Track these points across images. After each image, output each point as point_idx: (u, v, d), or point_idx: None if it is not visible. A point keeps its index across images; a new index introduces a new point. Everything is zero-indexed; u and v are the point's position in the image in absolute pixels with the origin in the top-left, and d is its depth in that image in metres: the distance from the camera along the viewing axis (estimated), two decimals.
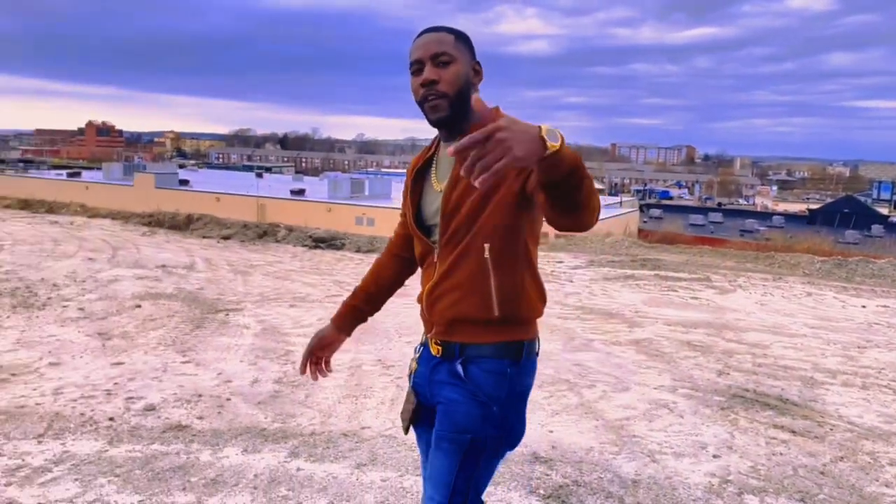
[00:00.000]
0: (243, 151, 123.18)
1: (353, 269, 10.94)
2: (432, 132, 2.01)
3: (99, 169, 62.10)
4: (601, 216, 1.64)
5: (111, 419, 4.43)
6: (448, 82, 1.84)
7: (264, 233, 14.89)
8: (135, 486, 3.53)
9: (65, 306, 7.62)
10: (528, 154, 1.32)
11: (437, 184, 1.96)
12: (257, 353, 6.04)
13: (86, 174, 57.04)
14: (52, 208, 21.63)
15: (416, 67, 1.87)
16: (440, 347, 1.93)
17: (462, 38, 1.90)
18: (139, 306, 7.73)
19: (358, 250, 12.97)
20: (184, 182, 50.56)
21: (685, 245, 19.22)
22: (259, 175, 59.04)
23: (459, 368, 1.88)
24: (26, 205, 22.61)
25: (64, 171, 54.93)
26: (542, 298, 1.95)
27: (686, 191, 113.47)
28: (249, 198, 46.62)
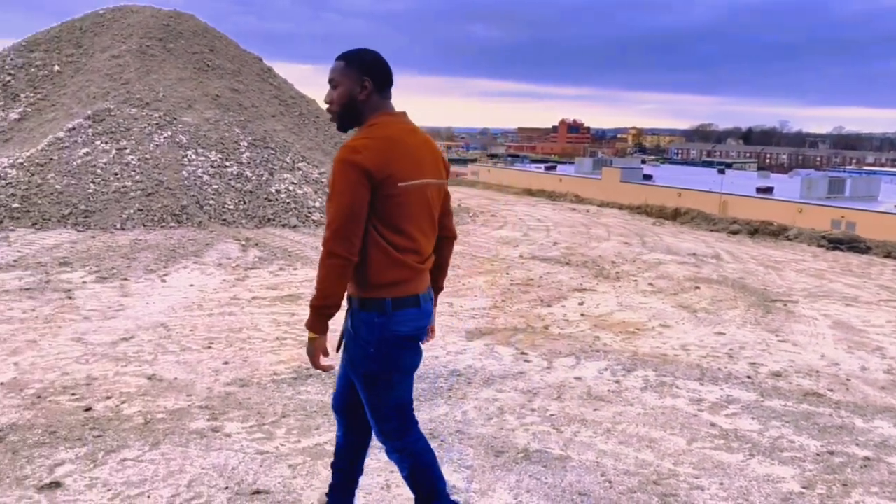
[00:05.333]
0: (703, 147, 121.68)
1: (894, 276, 10.34)
2: None
3: (570, 163, 67.58)
4: None
5: (748, 377, 5.25)
6: (336, 102, 2.48)
7: (756, 230, 14.87)
8: (809, 433, 4.21)
9: (635, 281, 8.96)
10: (310, 351, 2.47)
11: None
12: (845, 343, 6.33)
13: (560, 167, 63.05)
14: (551, 196, 24.77)
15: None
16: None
17: (350, 60, 2.47)
18: (698, 287, 8.65)
19: (888, 255, 12.12)
20: (647, 177, 52.29)
21: None
22: (721, 171, 57.69)
23: (349, 320, 2.51)
24: (530, 192, 26.29)
25: (542, 165, 61.49)
26: (399, 268, 2.42)
27: None
28: (711, 194, 46.07)
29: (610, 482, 3.47)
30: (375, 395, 2.51)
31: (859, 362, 5.76)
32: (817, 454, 3.90)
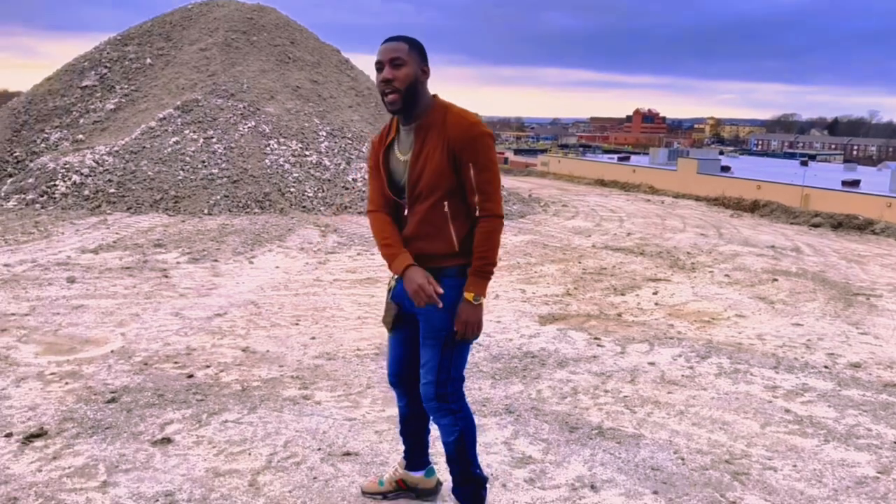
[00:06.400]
0: (784, 138, 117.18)
1: None
2: None
3: (644, 154, 66.26)
4: None
5: (826, 367, 5.22)
6: (401, 80, 2.50)
7: (839, 224, 14.39)
8: (887, 422, 4.19)
9: (710, 272, 8.89)
10: (479, 311, 2.58)
11: (402, 155, 2.63)
12: None
13: (633, 158, 61.99)
14: (624, 187, 24.47)
15: (378, 67, 2.54)
16: None
17: (413, 45, 2.54)
18: (776, 280, 8.52)
19: None
20: (725, 168, 50.89)
21: None
22: (804, 163, 55.57)
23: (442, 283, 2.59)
24: (602, 183, 26.04)
25: (615, 155, 60.47)
26: None
27: None
28: (792, 187, 44.50)
29: (682, 459, 3.58)
30: (449, 356, 2.65)
31: None
32: (894, 442, 3.90)
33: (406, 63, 2.51)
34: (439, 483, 3.11)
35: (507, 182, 18.04)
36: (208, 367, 4.73)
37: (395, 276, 2.71)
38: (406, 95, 2.51)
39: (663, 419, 4.10)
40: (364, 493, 3.13)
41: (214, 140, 13.04)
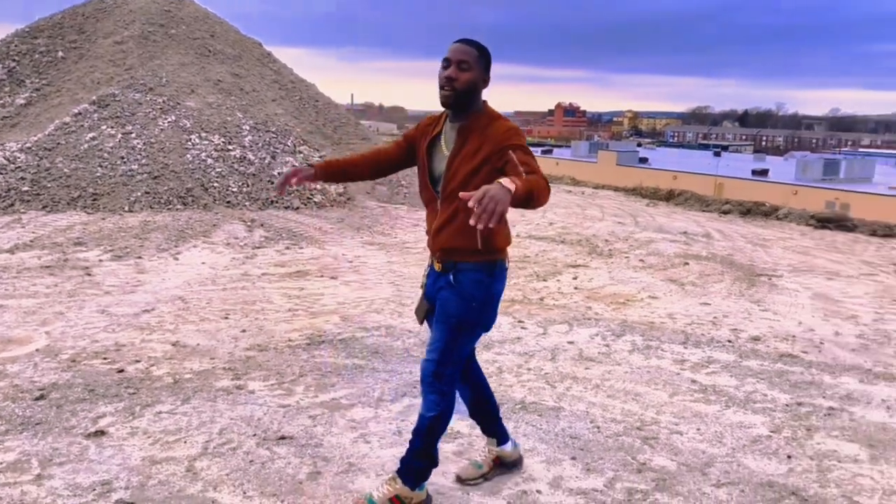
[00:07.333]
0: (699, 130, 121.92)
1: (876, 252, 10.74)
2: None
3: (566, 146, 67.73)
4: None
5: (729, 341, 5.64)
6: (462, 82, 2.69)
7: (748, 210, 15.25)
8: (780, 388, 4.61)
9: (626, 257, 9.34)
10: (506, 200, 2.28)
11: (446, 148, 2.81)
12: (822, 312, 6.73)
13: (556, 151, 63.22)
14: (550, 179, 25.11)
15: (445, 64, 2.71)
16: (441, 265, 2.86)
17: (482, 53, 2.74)
18: (687, 263, 9.04)
19: (874, 233, 12.51)
20: (643, 160, 52.56)
21: None
22: (717, 154, 58.04)
23: (451, 278, 2.81)
24: None
25: (538, 149, 61.68)
26: (508, 236, 2.94)
27: None
28: (707, 177, 46.41)
29: (598, 427, 3.87)
30: (456, 340, 2.83)
31: (833, 328, 6.16)
32: (786, 405, 4.30)
33: (472, 68, 2.71)
34: (521, 455, 3.39)
35: None
36: (138, 361, 4.75)
37: (425, 273, 3.00)
38: (461, 95, 2.72)
39: (581, 392, 4.39)
40: (463, 481, 3.25)
41: (133, 135, 12.74)
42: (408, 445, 3.00)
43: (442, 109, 2.89)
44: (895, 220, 14.31)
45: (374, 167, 3.08)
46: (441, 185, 2.80)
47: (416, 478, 2.97)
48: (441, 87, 2.73)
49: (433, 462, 3.00)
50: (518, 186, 2.37)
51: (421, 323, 3.06)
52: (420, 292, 3.05)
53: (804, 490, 3.27)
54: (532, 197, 2.47)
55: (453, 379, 2.91)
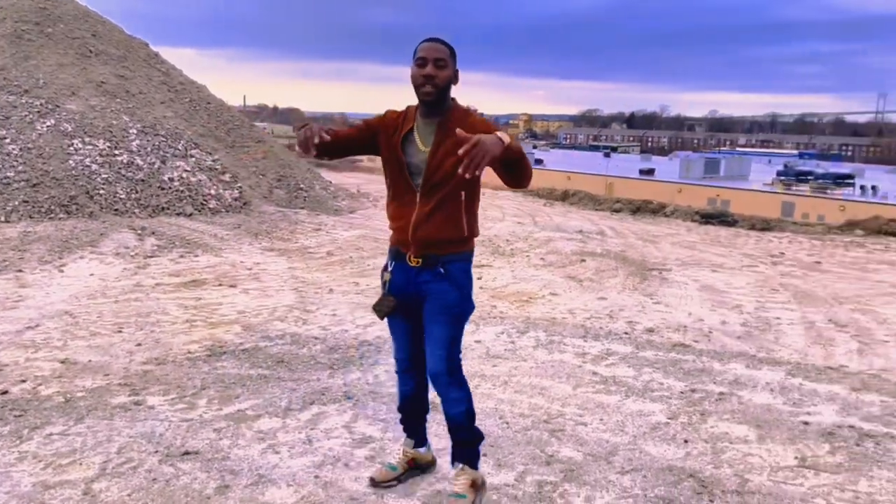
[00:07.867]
0: (589, 131, 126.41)
1: (756, 245, 11.50)
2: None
3: None
4: None
5: (626, 333, 5.89)
6: (442, 79, 2.78)
7: (638, 209, 16.00)
8: (675, 377, 4.85)
9: (527, 256, 9.57)
10: (496, 150, 2.43)
11: (422, 145, 2.85)
12: (710, 303, 7.14)
13: None
14: None
15: (421, 62, 2.77)
16: (420, 260, 2.88)
17: (453, 52, 2.84)
18: (584, 260, 9.36)
19: (752, 227, 13.38)
20: (538, 161, 53.96)
21: None
22: (607, 155, 60.36)
23: (441, 270, 2.88)
24: None
25: None
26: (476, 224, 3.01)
27: None
28: (598, 177, 48.25)
29: (507, 423, 3.95)
30: (458, 329, 2.96)
31: (720, 318, 6.55)
32: (681, 392, 4.54)
33: (448, 66, 2.80)
34: (434, 456, 3.41)
35: (334, 177, 18.06)
36: (24, 381, 4.44)
37: (389, 271, 2.98)
38: (442, 92, 2.81)
39: (489, 389, 4.47)
40: (378, 483, 3.23)
41: (8, 140, 11.90)
42: (451, 441, 3.07)
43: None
44: (771, 214, 15.35)
45: (347, 145, 3.01)
46: (423, 178, 2.84)
47: (477, 457, 3.10)
48: (420, 86, 2.80)
49: (481, 437, 3.10)
50: (513, 142, 2.56)
51: (382, 318, 3.04)
52: (381, 291, 3.04)
53: (701, 472, 3.46)
54: (523, 165, 2.68)
55: (461, 367, 3.00)
